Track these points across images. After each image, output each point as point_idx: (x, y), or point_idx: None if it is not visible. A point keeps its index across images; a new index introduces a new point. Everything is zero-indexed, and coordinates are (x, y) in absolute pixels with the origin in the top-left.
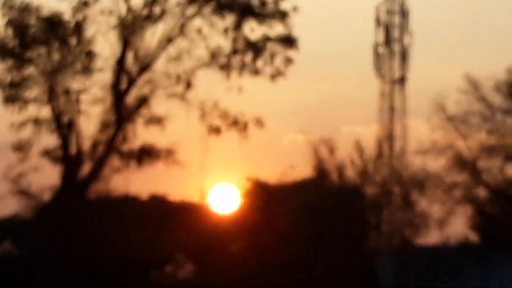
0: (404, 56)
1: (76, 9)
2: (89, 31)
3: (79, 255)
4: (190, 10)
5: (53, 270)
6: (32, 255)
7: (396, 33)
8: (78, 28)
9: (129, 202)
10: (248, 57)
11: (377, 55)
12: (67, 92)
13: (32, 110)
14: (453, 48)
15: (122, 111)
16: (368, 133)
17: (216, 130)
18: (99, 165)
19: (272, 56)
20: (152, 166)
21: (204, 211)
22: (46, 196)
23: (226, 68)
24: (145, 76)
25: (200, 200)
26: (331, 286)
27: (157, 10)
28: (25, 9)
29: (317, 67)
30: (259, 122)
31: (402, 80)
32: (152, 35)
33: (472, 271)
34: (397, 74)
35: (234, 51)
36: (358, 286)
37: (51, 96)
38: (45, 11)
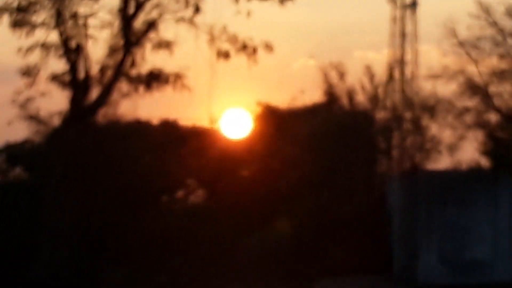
0: None
1: None
2: None
3: (89, 180)
4: None
5: (63, 195)
6: (43, 180)
7: None
8: None
9: (140, 127)
10: None
11: None
12: (74, 16)
13: (39, 35)
14: None
15: (130, 35)
16: (379, 58)
17: (225, 55)
18: (107, 90)
19: None
20: (161, 90)
21: (215, 136)
22: (55, 121)
23: None
24: (153, 0)
25: (211, 125)
26: (341, 210)
27: None
28: None
29: None
30: (268, 47)
31: (413, 4)
32: None
33: (482, 196)
34: None
35: None
36: (369, 210)
37: (59, 20)
38: None
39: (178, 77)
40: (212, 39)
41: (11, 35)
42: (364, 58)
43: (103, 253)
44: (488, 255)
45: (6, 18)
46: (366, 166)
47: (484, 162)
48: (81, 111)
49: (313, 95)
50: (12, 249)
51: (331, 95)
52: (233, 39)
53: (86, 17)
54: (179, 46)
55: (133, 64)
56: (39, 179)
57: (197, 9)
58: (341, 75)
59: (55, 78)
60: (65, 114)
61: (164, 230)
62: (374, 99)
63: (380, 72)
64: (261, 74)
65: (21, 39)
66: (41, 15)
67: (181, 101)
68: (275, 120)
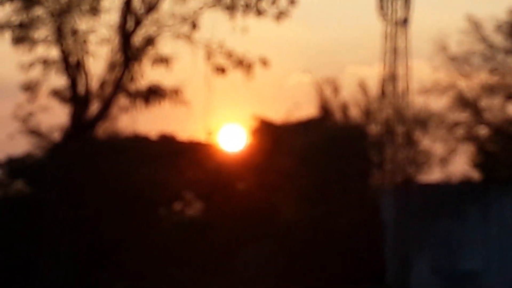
0: None
1: None
2: None
3: (89, 193)
4: None
5: (64, 209)
6: (43, 194)
7: None
8: None
9: (138, 141)
10: None
11: None
12: (75, 32)
13: (40, 51)
14: None
15: (129, 51)
16: (372, 73)
17: (221, 70)
18: (107, 105)
19: None
20: (159, 105)
21: (212, 149)
22: (56, 136)
23: (230, 8)
24: (151, 17)
25: (208, 139)
26: (335, 223)
27: None
28: None
29: (321, 8)
30: (264, 62)
31: (405, 21)
32: None
33: (473, 208)
34: (400, 15)
35: None
36: (362, 223)
37: (59, 36)
38: None
39: (175, 92)
40: (208, 54)
41: (13, 51)
42: (357, 74)
43: (102, 266)
44: (480, 266)
45: (8, 35)
46: (360, 180)
47: (475, 175)
48: (81, 125)
49: (308, 110)
50: (13, 263)
51: (325, 110)
52: (229, 54)
53: (86, 33)
54: (177, 61)
55: (132, 79)
56: (40, 193)
57: (194, 26)
58: (335, 90)
59: (55, 93)
60: (66, 128)
61: (162, 243)
62: (367, 113)
63: (373, 87)
64: (257, 89)
65: (23, 55)
66: (42, 32)
67: (178, 115)
68: (271, 134)
